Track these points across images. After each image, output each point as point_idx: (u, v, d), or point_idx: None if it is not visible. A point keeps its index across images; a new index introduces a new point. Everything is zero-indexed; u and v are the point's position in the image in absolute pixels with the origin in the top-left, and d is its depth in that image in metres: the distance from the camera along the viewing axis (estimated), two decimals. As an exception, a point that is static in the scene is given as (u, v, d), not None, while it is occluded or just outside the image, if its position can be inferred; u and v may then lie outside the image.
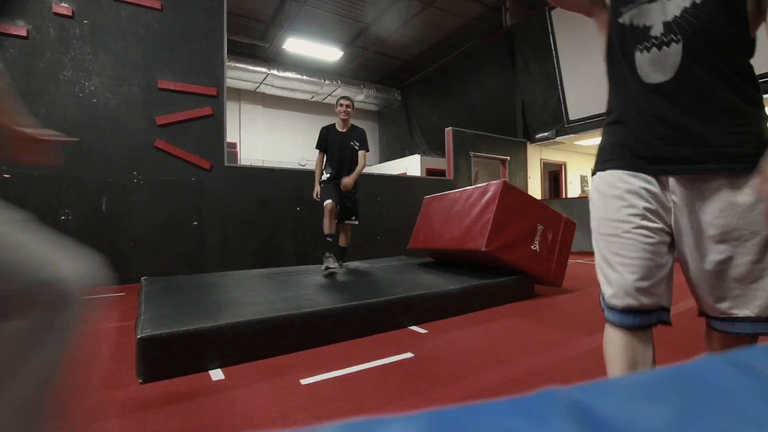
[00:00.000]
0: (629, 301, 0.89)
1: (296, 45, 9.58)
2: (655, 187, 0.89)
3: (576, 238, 3.67)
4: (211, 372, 1.77)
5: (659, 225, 0.89)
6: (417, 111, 12.27)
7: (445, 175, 7.31)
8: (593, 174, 1.02)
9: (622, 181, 0.92)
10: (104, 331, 2.32)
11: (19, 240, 0.48)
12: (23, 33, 3.71)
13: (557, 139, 8.22)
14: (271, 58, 10.68)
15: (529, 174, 8.68)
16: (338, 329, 2.21)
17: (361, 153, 3.63)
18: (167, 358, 1.72)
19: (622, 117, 0.95)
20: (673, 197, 0.88)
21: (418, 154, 10.79)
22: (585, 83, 7.13)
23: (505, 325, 2.52)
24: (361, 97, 12.15)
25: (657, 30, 0.85)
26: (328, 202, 3.38)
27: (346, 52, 10.39)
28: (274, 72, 10.60)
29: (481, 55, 9.72)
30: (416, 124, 12.27)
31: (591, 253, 1.03)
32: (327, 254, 3.30)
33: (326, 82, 11.40)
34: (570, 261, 3.49)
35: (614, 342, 0.92)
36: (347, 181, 3.48)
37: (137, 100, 4.15)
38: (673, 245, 0.91)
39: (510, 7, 8.73)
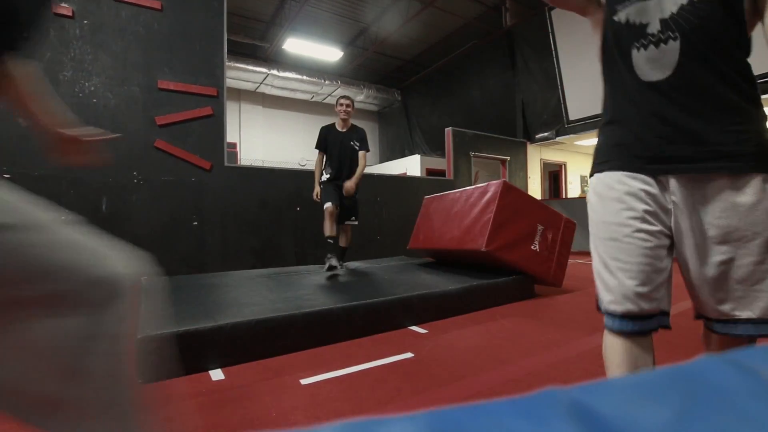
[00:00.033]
0: (629, 307, 0.87)
1: (296, 45, 9.58)
2: (654, 189, 0.88)
3: (576, 238, 3.66)
4: (211, 372, 1.78)
5: (659, 228, 0.88)
6: (417, 111, 12.27)
7: (445, 175, 7.31)
8: (591, 176, 1.00)
9: (620, 182, 0.90)
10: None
11: (70, 238, 0.49)
12: (23, 33, 3.71)
13: (557, 139, 8.22)
14: (271, 59, 10.68)
15: (529, 174, 8.68)
16: (338, 329, 2.21)
17: (361, 153, 3.61)
18: (167, 358, 1.72)
19: (620, 116, 0.93)
20: (673, 198, 0.87)
21: (418, 154, 10.79)
22: (585, 83, 7.13)
23: (505, 325, 2.52)
24: (361, 97, 12.14)
25: (654, 27, 0.85)
26: (328, 205, 3.37)
27: (346, 53, 10.39)
28: (274, 72, 10.60)
29: (481, 55, 9.72)
30: (416, 124, 12.27)
31: (590, 254, 1.03)
32: (329, 255, 3.30)
33: (326, 82, 11.40)
34: (570, 261, 3.49)
35: (614, 348, 0.90)
36: (349, 185, 3.46)
37: (137, 100, 4.15)
38: (672, 248, 0.90)
39: (510, 7, 8.73)
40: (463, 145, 7.29)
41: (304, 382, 1.67)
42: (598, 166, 0.97)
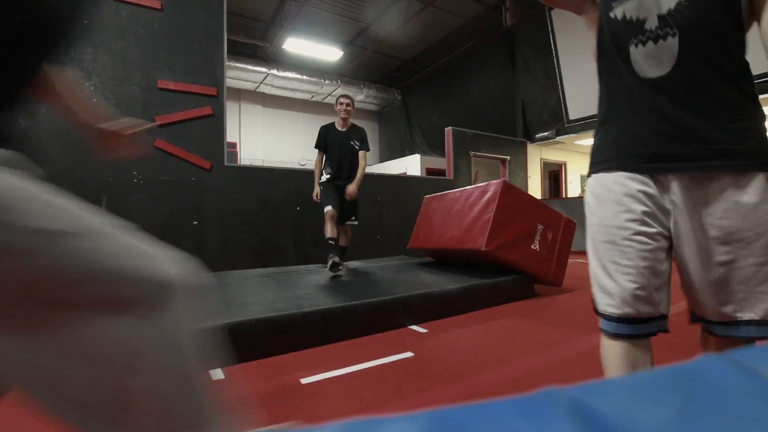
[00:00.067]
0: (627, 310, 0.86)
1: (296, 45, 9.57)
2: (652, 189, 0.86)
3: (576, 238, 3.66)
4: (210, 371, 1.77)
5: (658, 229, 0.86)
6: (417, 111, 12.27)
7: (445, 175, 7.31)
8: (588, 176, 0.99)
9: (618, 183, 0.89)
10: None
11: (124, 243, 0.51)
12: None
13: (557, 138, 8.22)
14: (271, 58, 10.68)
15: (529, 174, 8.68)
16: (338, 329, 2.21)
17: (361, 153, 3.58)
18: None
19: (617, 115, 0.92)
20: (673, 198, 0.85)
21: (418, 153, 10.79)
22: (585, 83, 7.13)
23: (505, 324, 2.53)
24: (361, 96, 12.14)
25: (652, 23, 0.83)
26: (328, 209, 3.35)
27: (346, 52, 10.38)
28: (274, 72, 10.60)
29: (481, 55, 9.72)
30: (416, 124, 12.27)
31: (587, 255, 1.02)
32: (331, 255, 3.28)
33: (326, 81, 11.40)
34: (570, 260, 3.49)
35: (612, 350, 0.89)
36: (352, 189, 3.45)
37: (137, 99, 4.15)
38: (671, 249, 0.89)
39: (510, 7, 8.73)
40: (463, 145, 7.29)
41: (304, 381, 1.67)
42: (595, 167, 0.96)
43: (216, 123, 4.47)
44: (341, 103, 3.56)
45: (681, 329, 0.92)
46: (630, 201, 0.87)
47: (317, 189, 3.55)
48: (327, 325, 2.17)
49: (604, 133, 0.95)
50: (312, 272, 3.55)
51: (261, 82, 11.10)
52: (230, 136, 11.01)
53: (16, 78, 0.56)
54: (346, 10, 8.83)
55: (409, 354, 1.98)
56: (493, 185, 3.31)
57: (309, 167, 3.73)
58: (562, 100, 7.78)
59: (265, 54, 10.50)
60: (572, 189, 9.87)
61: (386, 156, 13.43)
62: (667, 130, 0.83)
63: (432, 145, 11.33)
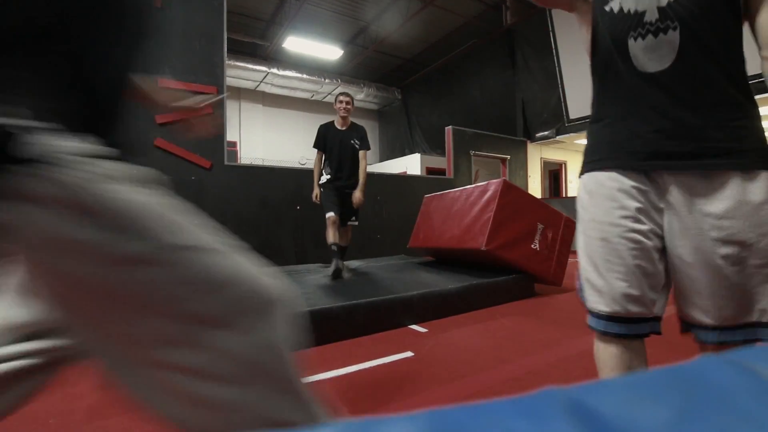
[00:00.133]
0: (615, 308, 0.85)
1: (296, 44, 9.57)
2: (646, 186, 0.84)
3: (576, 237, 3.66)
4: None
5: (651, 227, 0.84)
6: (417, 110, 12.27)
7: (445, 174, 7.31)
8: (581, 175, 0.96)
9: (612, 179, 0.86)
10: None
11: (235, 259, 0.57)
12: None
13: (557, 138, 8.22)
14: (271, 57, 10.67)
15: (529, 173, 8.68)
16: (338, 328, 2.21)
17: (361, 153, 3.51)
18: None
19: (613, 111, 0.89)
20: (669, 197, 0.82)
21: (418, 153, 10.79)
22: (585, 82, 7.06)
23: (505, 324, 2.53)
24: (361, 95, 12.13)
25: (651, 15, 0.80)
26: (330, 215, 3.30)
27: (346, 51, 10.38)
28: (274, 71, 10.59)
29: (481, 54, 9.71)
30: (416, 123, 12.26)
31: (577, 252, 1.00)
32: (334, 261, 3.24)
33: (326, 80, 11.39)
34: (570, 260, 3.49)
35: (607, 352, 0.88)
36: (359, 197, 3.42)
37: (137, 98, 4.15)
38: (665, 249, 0.86)
39: (510, 6, 8.72)
40: (463, 144, 7.28)
41: (303, 381, 1.67)
42: (589, 165, 0.93)
43: (216, 122, 4.47)
44: (341, 101, 3.48)
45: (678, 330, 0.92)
46: (623, 197, 0.85)
47: (317, 190, 3.49)
48: (327, 325, 2.17)
49: (598, 130, 0.92)
50: (312, 272, 3.55)
51: (261, 81, 11.10)
52: (230, 135, 11.02)
53: (122, 86, 0.61)
54: (346, 8, 8.82)
55: (409, 354, 1.98)
56: (493, 184, 3.31)
57: (309, 166, 3.72)
58: (562, 100, 7.78)
59: (265, 53, 10.50)
60: (572, 188, 9.87)
61: (386, 155, 13.42)
62: (665, 127, 0.81)
63: (432, 145, 11.33)
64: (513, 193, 3.29)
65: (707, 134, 0.78)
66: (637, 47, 0.82)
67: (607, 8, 0.86)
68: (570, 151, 9.69)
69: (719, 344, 0.81)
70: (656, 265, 0.84)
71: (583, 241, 0.93)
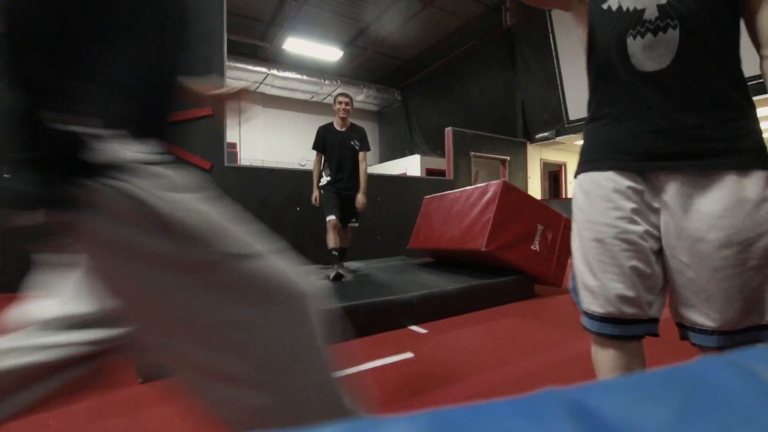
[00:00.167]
0: (609, 309, 0.84)
1: (296, 45, 9.58)
2: (641, 186, 0.83)
3: (576, 238, 3.65)
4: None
5: (646, 228, 0.83)
6: (417, 111, 12.28)
7: (445, 175, 7.31)
8: (576, 175, 0.95)
9: (608, 179, 0.86)
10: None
11: (281, 263, 0.63)
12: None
13: (557, 139, 8.23)
14: (271, 58, 10.68)
15: (529, 174, 8.68)
16: (338, 329, 2.21)
17: (362, 155, 3.49)
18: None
19: (610, 110, 0.87)
20: (666, 198, 0.81)
21: (418, 154, 10.80)
22: (585, 83, 7.09)
23: (505, 325, 2.53)
24: (361, 97, 12.14)
25: (651, 13, 0.79)
26: (331, 218, 3.26)
27: (346, 52, 10.39)
28: (274, 72, 10.60)
29: (481, 55, 9.73)
30: (416, 124, 12.27)
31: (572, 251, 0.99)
32: (335, 265, 3.22)
33: (326, 82, 11.40)
34: (570, 261, 3.48)
35: (604, 354, 0.87)
36: (363, 201, 3.40)
37: (137, 100, 4.15)
38: (661, 250, 0.85)
39: (510, 7, 8.73)
40: (463, 145, 7.29)
41: (304, 382, 1.67)
42: (585, 165, 0.92)
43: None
44: (340, 102, 3.44)
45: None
46: (619, 198, 0.84)
47: (316, 192, 3.45)
48: (326, 326, 2.17)
49: (594, 131, 0.91)
50: (311, 273, 3.55)
51: (261, 83, 11.10)
52: (230, 137, 11.01)
53: (175, 89, 0.66)
54: (346, 10, 8.84)
55: (409, 354, 1.98)
56: (493, 186, 3.31)
57: (309, 167, 3.71)
58: (562, 101, 7.79)
59: (265, 54, 10.51)
60: (572, 190, 9.86)
61: (386, 156, 13.43)
62: (663, 127, 0.80)
63: (432, 146, 11.34)
64: (513, 195, 3.29)
65: (705, 134, 0.78)
66: (635, 46, 0.81)
67: (605, 6, 0.85)
68: (570, 153, 9.70)
69: (719, 349, 0.79)
70: (653, 267, 0.84)
71: (578, 241, 0.93)
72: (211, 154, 4.45)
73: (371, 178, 5.63)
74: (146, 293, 0.53)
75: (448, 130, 7.21)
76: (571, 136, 7.97)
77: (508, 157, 8.21)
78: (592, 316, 0.88)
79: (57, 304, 0.63)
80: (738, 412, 0.17)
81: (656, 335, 0.87)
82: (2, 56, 0.49)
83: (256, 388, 0.57)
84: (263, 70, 10.41)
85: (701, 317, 0.80)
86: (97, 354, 0.64)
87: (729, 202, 0.76)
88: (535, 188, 8.82)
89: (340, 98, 3.46)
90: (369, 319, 2.34)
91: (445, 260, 4.04)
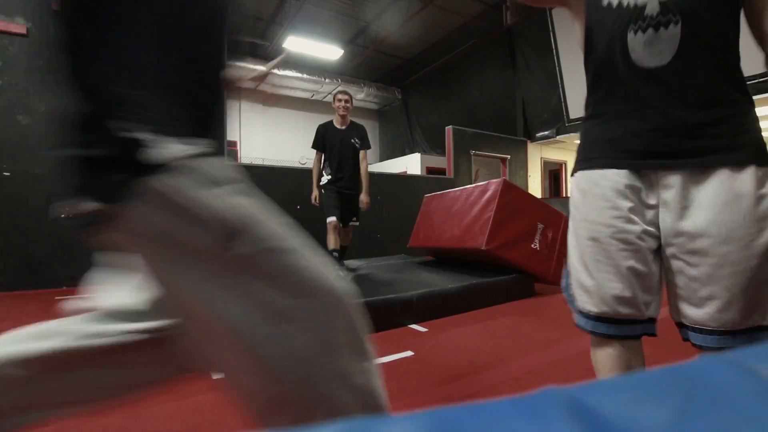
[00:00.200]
0: (604, 309, 0.84)
1: (296, 43, 9.56)
2: (641, 185, 0.82)
3: (576, 237, 3.65)
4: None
5: (644, 227, 0.82)
6: (417, 109, 12.27)
7: (445, 174, 7.31)
8: (573, 173, 0.95)
9: (605, 178, 0.85)
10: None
11: (314, 259, 0.64)
12: (23, 31, 3.71)
13: (558, 137, 8.22)
14: (271, 57, 10.66)
15: (529, 173, 8.68)
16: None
17: (362, 153, 3.45)
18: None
19: (608, 109, 0.86)
20: (664, 195, 0.81)
21: (419, 152, 10.79)
22: (585, 82, 7.12)
23: (505, 323, 2.53)
24: (362, 95, 12.13)
25: (652, 9, 0.78)
26: (332, 219, 3.24)
27: (346, 51, 10.37)
28: (275, 70, 10.57)
29: (481, 54, 9.71)
30: (416, 123, 12.26)
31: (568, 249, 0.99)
32: (335, 265, 3.22)
33: (326, 80, 11.39)
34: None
35: (604, 353, 0.87)
36: (367, 201, 3.39)
37: (137, 98, 4.15)
38: (659, 250, 0.84)
39: (510, 6, 8.71)
40: (463, 144, 7.28)
41: (304, 380, 1.67)
42: (582, 163, 0.91)
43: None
44: (339, 100, 3.39)
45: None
46: (617, 197, 0.83)
47: (316, 192, 3.42)
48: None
49: (592, 128, 0.91)
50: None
51: (261, 81, 11.09)
52: (230, 135, 11.02)
53: (220, 86, 0.68)
54: (346, 8, 8.82)
55: (409, 353, 1.98)
56: (494, 184, 3.31)
57: (309, 166, 3.70)
58: (562, 99, 7.78)
59: (265, 53, 10.50)
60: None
61: (386, 155, 13.42)
62: (662, 125, 0.79)
63: (432, 144, 11.33)
64: (513, 193, 3.29)
65: (704, 132, 0.77)
66: (636, 41, 0.80)
67: (604, 2, 0.84)
68: (570, 151, 9.69)
69: (720, 350, 0.77)
70: (650, 266, 0.83)
71: (574, 239, 0.92)
72: (211, 152, 4.43)
73: (371, 176, 5.62)
74: (181, 283, 0.55)
75: (449, 129, 7.21)
76: (572, 134, 7.96)
77: (509, 156, 8.21)
78: (587, 315, 0.88)
79: (112, 296, 0.68)
80: (738, 412, 0.17)
81: (654, 335, 0.86)
82: (65, 65, 0.54)
83: (288, 381, 0.58)
84: (263, 68, 10.39)
85: (702, 316, 0.78)
86: (148, 342, 0.67)
87: (728, 197, 0.75)
88: (535, 187, 8.81)
89: (340, 96, 3.42)
90: (369, 317, 2.33)
91: (445, 259, 4.04)
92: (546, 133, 8.38)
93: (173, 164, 0.52)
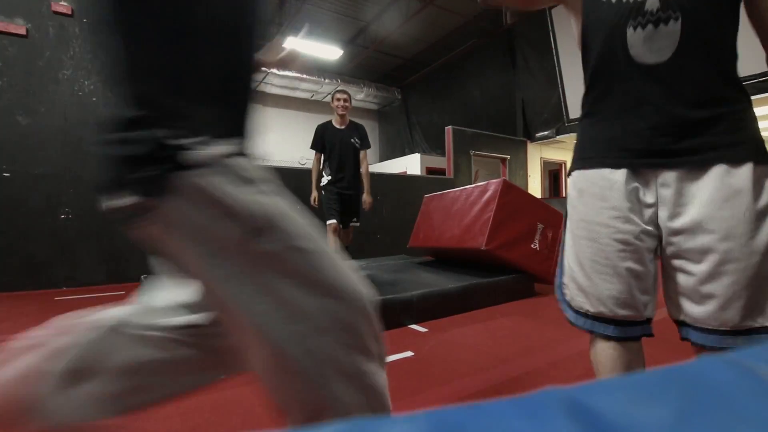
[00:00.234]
0: (600, 309, 0.84)
1: (296, 44, 9.56)
2: (640, 184, 0.82)
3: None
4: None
5: (643, 228, 0.81)
6: (417, 109, 12.27)
7: (445, 174, 7.31)
8: (571, 172, 0.94)
9: (603, 177, 0.84)
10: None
11: (341, 263, 0.65)
12: (23, 31, 3.71)
13: (557, 137, 8.22)
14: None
15: (529, 173, 8.68)
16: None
17: (362, 153, 3.42)
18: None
19: (606, 106, 0.85)
20: (663, 193, 0.80)
21: (418, 152, 10.79)
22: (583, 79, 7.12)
23: (505, 323, 2.53)
24: (361, 95, 12.13)
25: (652, 4, 0.77)
26: (332, 222, 3.22)
27: (346, 51, 10.37)
28: (274, 71, 10.58)
29: (481, 54, 9.72)
30: (416, 123, 12.26)
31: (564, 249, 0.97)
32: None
33: (326, 80, 11.39)
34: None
35: (605, 353, 0.86)
36: (368, 200, 3.38)
37: (137, 98, 4.14)
38: (656, 250, 0.83)
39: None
40: (463, 144, 7.29)
41: (304, 380, 1.67)
42: (580, 162, 0.90)
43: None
44: (338, 99, 3.35)
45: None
46: (615, 197, 0.82)
47: (315, 193, 3.39)
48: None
49: (590, 126, 0.89)
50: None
51: (261, 81, 11.10)
52: (230, 135, 10.98)
53: (253, 84, 0.70)
54: (346, 8, 8.82)
55: (409, 353, 1.98)
56: (493, 184, 3.31)
57: (309, 166, 3.69)
58: (562, 99, 7.78)
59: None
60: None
61: (386, 155, 13.42)
62: (661, 123, 0.78)
63: (432, 144, 11.33)
64: (513, 193, 3.29)
65: (703, 130, 0.77)
66: (636, 37, 0.79)
67: None
68: (570, 151, 9.57)
69: (720, 349, 0.77)
70: (647, 266, 0.82)
71: (570, 240, 0.91)
72: (211, 152, 4.42)
73: (371, 176, 5.61)
74: (211, 278, 0.58)
75: (448, 129, 7.21)
76: (572, 134, 7.96)
77: (508, 156, 8.21)
78: (585, 315, 0.87)
79: (163, 293, 0.73)
80: (738, 411, 0.17)
81: (651, 335, 0.86)
82: (111, 68, 0.58)
83: (303, 380, 0.60)
84: (263, 68, 10.39)
85: (703, 314, 0.78)
86: (197, 337, 0.71)
87: (728, 194, 0.74)
88: (535, 187, 8.82)
89: (338, 95, 3.38)
90: (369, 317, 2.33)
91: (445, 259, 4.04)
92: (546, 133, 8.38)
93: (210, 162, 0.56)
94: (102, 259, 3.97)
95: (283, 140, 12.33)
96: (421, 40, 10.13)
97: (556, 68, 7.71)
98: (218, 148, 0.57)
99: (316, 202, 3.38)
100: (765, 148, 0.78)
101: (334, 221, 3.24)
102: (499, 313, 2.79)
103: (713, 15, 0.76)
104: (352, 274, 0.66)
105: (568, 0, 0.94)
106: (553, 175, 10.30)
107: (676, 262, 0.81)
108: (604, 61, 0.85)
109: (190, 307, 0.71)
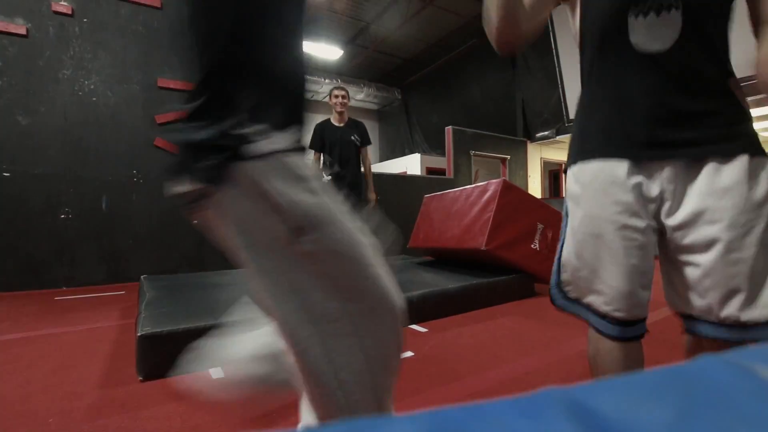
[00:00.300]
0: (606, 309, 0.83)
1: (296, 43, 9.56)
2: (641, 177, 0.80)
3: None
4: (211, 370, 1.77)
5: (647, 222, 0.80)
6: (417, 110, 12.27)
7: (445, 174, 7.31)
8: (567, 167, 0.92)
9: (605, 171, 0.82)
10: (105, 329, 2.32)
11: (379, 270, 0.65)
12: (23, 31, 3.71)
13: (557, 137, 8.22)
14: (271, 57, 10.67)
15: (529, 173, 8.68)
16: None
17: (364, 151, 3.37)
18: (167, 355, 1.72)
19: (606, 96, 0.84)
20: (665, 185, 0.79)
21: (418, 152, 10.79)
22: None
23: (505, 323, 2.53)
24: (361, 95, 12.12)
25: None
26: None
27: (346, 51, 10.37)
28: (274, 70, 10.58)
29: (481, 54, 9.71)
30: (416, 123, 12.26)
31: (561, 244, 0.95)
32: None
33: (326, 80, 11.39)
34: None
35: (610, 354, 0.85)
36: (371, 197, 3.37)
37: (137, 98, 4.15)
38: (657, 243, 0.83)
39: (510, 6, 8.71)
40: (463, 144, 7.28)
41: (304, 380, 1.67)
42: (579, 155, 0.88)
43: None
44: (336, 96, 3.28)
45: (680, 329, 0.92)
46: (619, 191, 0.81)
47: None
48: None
49: (587, 117, 0.88)
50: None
51: (261, 81, 11.10)
52: (230, 135, 10.97)
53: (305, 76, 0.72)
54: (346, 8, 8.82)
55: (409, 353, 1.98)
56: (493, 184, 3.31)
57: (309, 166, 3.68)
58: (562, 99, 7.78)
59: (265, 53, 10.50)
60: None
61: (386, 155, 13.42)
62: (662, 114, 0.78)
63: (432, 144, 11.33)
64: (513, 193, 3.29)
65: (704, 121, 0.76)
66: (639, 24, 0.78)
67: None
68: (570, 151, 9.67)
69: (725, 341, 0.77)
70: (650, 262, 0.82)
71: (571, 236, 0.89)
72: (211, 152, 4.43)
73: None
74: (253, 269, 0.60)
75: (449, 129, 7.21)
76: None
77: (509, 156, 8.21)
78: (602, 316, 0.86)
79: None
80: (738, 412, 0.17)
81: (646, 331, 0.86)
82: (190, 62, 0.60)
83: (321, 383, 0.60)
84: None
85: (707, 306, 0.77)
86: None
87: (727, 184, 0.74)
88: (535, 187, 8.81)
89: (336, 92, 3.31)
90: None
91: (445, 259, 4.04)
92: (546, 133, 8.38)
93: (267, 155, 0.57)
94: (102, 259, 3.97)
95: (283, 140, 12.33)
96: (421, 40, 10.13)
97: (556, 68, 7.71)
98: (276, 142, 0.59)
99: None
100: (759, 141, 0.79)
101: None
102: (499, 313, 2.79)
103: (712, 6, 0.76)
104: (388, 284, 0.66)
105: None
106: (553, 175, 10.29)
107: (682, 255, 0.80)
108: (604, 50, 0.83)
109: None
